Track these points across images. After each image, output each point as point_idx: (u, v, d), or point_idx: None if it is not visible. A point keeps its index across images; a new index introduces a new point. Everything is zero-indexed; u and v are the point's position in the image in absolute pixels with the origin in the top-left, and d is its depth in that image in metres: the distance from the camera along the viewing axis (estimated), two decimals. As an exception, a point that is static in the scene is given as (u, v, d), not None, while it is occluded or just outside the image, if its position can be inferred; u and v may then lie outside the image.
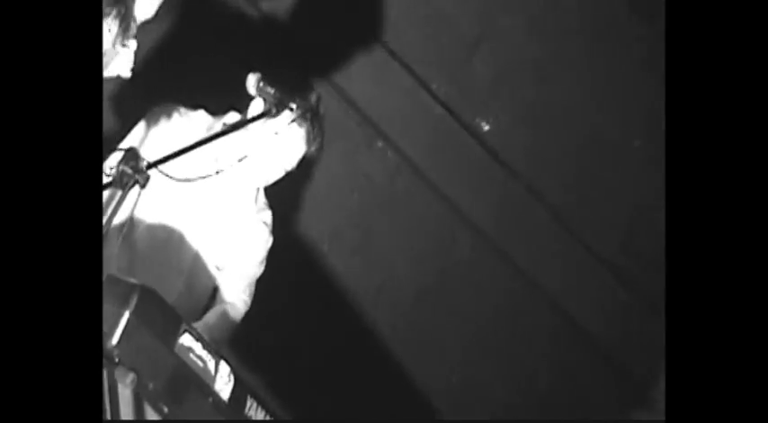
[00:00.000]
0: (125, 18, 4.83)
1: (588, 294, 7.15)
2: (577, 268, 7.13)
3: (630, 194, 6.98)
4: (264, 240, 5.91)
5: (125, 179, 4.61)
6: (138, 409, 4.80)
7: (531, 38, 6.75)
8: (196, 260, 5.84)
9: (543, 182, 6.88)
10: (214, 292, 5.88)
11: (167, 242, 5.80)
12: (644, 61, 6.60)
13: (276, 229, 5.90)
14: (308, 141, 5.62)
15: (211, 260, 5.88)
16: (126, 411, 4.77)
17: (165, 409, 4.56)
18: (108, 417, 4.86)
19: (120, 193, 4.68)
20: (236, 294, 5.86)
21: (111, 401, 4.73)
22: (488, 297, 7.21)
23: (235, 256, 5.90)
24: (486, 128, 6.85)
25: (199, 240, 5.83)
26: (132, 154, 4.59)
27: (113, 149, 4.87)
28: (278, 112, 5.42)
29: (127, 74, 4.97)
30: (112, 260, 5.40)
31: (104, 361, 4.42)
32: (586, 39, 6.66)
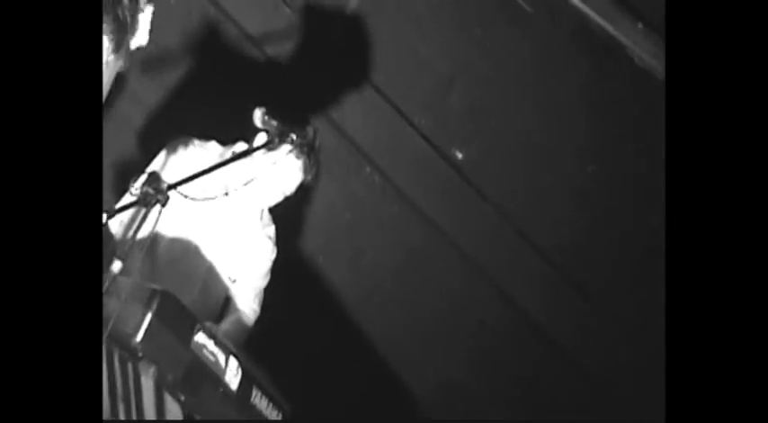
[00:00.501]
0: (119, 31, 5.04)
1: (548, 300, 7.08)
2: (541, 277, 6.98)
3: (583, 211, 6.80)
4: (270, 252, 6.06)
5: (148, 199, 4.66)
6: (159, 397, 5.02)
7: (497, 77, 6.65)
8: (210, 270, 5.94)
9: (508, 203, 6.85)
10: (226, 300, 5.99)
11: (185, 254, 5.87)
12: (588, 91, 6.51)
13: (278, 243, 6.05)
14: (305, 170, 5.77)
15: (224, 271, 5.99)
16: (148, 399, 5.04)
17: (182, 398, 4.84)
18: (133, 404, 5.08)
19: (143, 210, 4.69)
20: (247, 304, 6.01)
21: (135, 390, 5.02)
22: (460, 301, 7.13)
23: (245, 268, 6.01)
24: (460, 156, 6.79)
25: (212, 253, 5.93)
26: (154, 177, 4.67)
27: (139, 173, 4.85)
28: (280, 143, 5.49)
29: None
30: (137, 269, 5.12)
31: (129, 356, 4.73)
32: (548, 78, 6.58)
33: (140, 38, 4.77)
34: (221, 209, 5.84)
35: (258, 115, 5.44)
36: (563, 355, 7.18)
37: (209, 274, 5.98)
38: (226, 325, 5.93)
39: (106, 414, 5.20)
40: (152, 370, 4.78)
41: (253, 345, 5.87)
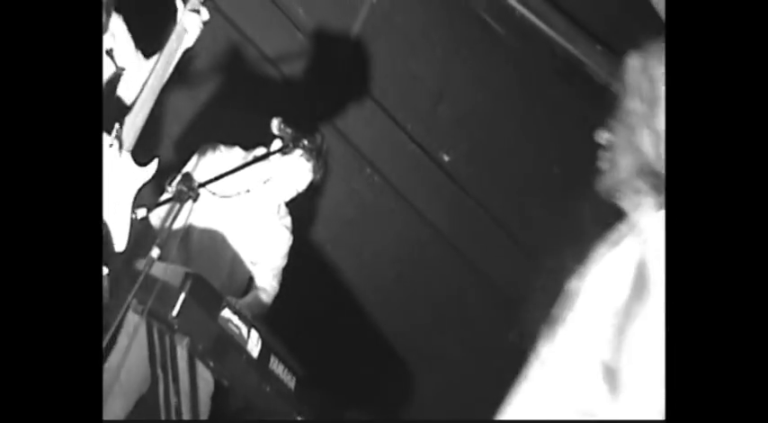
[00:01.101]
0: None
1: (517, 276, 6.98)
2: (512, 263, 6.99)
3: (548, 204, 6.84)
4: (286, 240, 6.16)
5: (182, 195, 4.86)
6: (192, 364, 5.47)
7: (479, 91, 6.74)
8: (235, 256, 6.06)
9: (488, 199, 6.94)
10: (250, 280, 6.10)
11: (213, 242, 5.99)
12: (555, 102, 6.56)
13: (293, 232, 6.17)
14: (315, 171, 5.93)
15: (247, 256, 6.09)
16: (182, 366, 5.41)
17: (211, 364, 5.09)
18: (170, 370, 5.39)
19: (178, 205, 4.92)
20: (267, 282, 6.08)
21: (171, 358, 5.37)
22: (446, 282, 7.19)
23: (265, 252, 6.11)
24: (447, 159, 6.86)
25: (237, 241, 6.06)
26: (187, 177, 4.92)
27: (174, 174, 5.00)
28: (293, 148, 5.52)
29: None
30: (173, 255, 5.41)
31: (166, 329, 5.03)
32: (522, 92, 6.67)
33: (189, 40, 5.11)
34: (244, 204, 5.97)
35: (275, 124, 5.47)
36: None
37: (235, 259, 6.07)
38: (248, 298, 5.97)
39: (147, 380, 5.61)
40: (185, 341, 4.97)
41: (271, 318, 5.93)
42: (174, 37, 5.15)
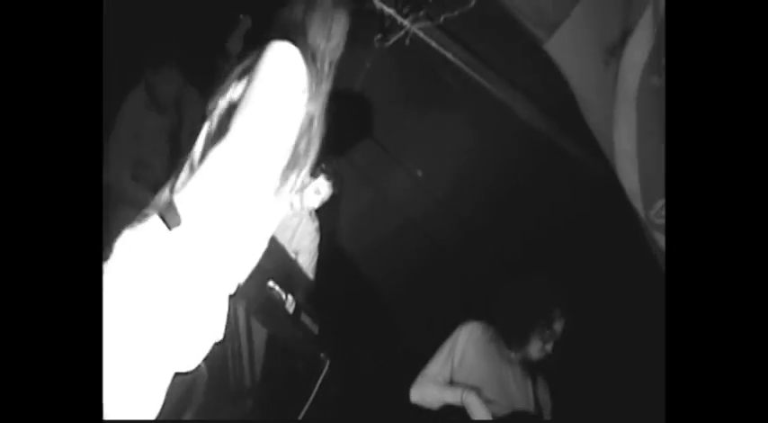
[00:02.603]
0: None
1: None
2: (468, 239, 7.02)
3: (497, 213, 6.87)
4: (316, 237, 6.30)
5: None
6: (247, 319, 5.62)
7: (448, 127, 6.78)
8: (281, 250, 5.98)
9: (449, 201, 6.99)
10: (292, 265, 5.94)
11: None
12: (493, 135, 6.58)
13: (321, 231, 6.34)
14: (334, 187, 6.11)
15: (290, 250, 6.14)
16: (241, 321, 5.58)
17: (261, 319, 5.32)
18: (232, 325, 5.51)
19: None
20: (304, 267, 6.17)
21: (234, 317, 5.47)
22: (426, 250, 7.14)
23: (303, 247, 6.22)
24: (420, 174, 6.95)
25: (280, 238, 6.04)
26: None
27: None
28: (318, 171, 5.93)
29: None
30: None
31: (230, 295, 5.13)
32: (472, 128, 6.73)
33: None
34: (284, 212, 6.07)
35: None
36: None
37: (280, 253, 5.96)
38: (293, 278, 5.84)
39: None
40: (243, 302, 5.23)
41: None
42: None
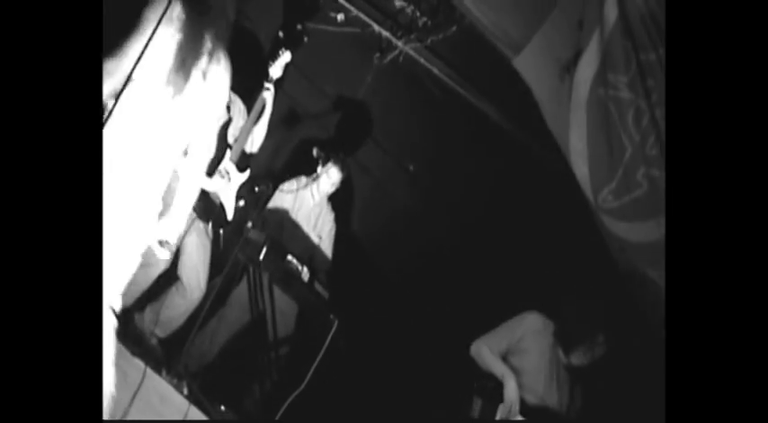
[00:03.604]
0: None
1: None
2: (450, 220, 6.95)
3: (473, 198, 6.83)
4: (334, 227, 6.13)
5: (263, 192, 5.28)
6: (270, 287, 5.63)
7: (434, 129, 6.80)
8: (306, 236, 5.99)
9: (434, 189, 6.90)
10: (313, 247, 6.02)
11: (282, 223, 5.90)
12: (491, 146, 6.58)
13: (337, 213, 6.21)
14: (342, 171, 5.95)
15: (314, 235, 6.03)
16: (265, 289, 5.61)
17: (281, 286, 5.42)
18: (259, 292, 5.58)
19: (263, 198, 5.31)
20: (325, 248, 6.09)
21: (260, 285, 5.58)
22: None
23: (324, 233, 6.05)
24: (411, 168, 6.81)
25: (305, 226, 5.99)
26: (265, 181, 5.23)
27: (260, 181, 5.39)
28: (326, 161, 5.90)
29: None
30: (258, 228, 5.25)
31: (256, 267, 5.14)
32: (457, 130, 6.71)
33: (267, 106, 5.34)
34: (304, 197, 5.97)
35: (315, 150, 5.89)
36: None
37: (300, 230, 5.99)
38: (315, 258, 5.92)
39: (247, 299, 5.67)
40: (267, 274, 5.33)
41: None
42: (257, 104, 5.35)
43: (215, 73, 3.96)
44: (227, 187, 5.36)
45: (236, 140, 5.41)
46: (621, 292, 5.14)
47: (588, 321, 5.14)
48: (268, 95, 5.40)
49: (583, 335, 5.13)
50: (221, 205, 5.31)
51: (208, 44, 3.90)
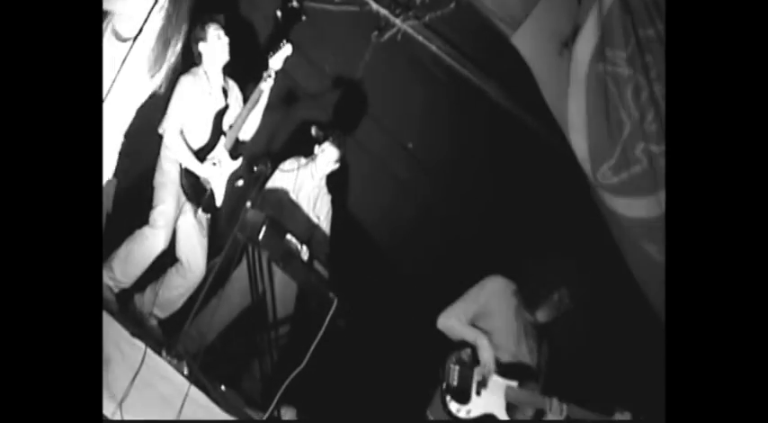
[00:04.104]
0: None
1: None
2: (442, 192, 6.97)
3: (462, 175, 6.86)
4: (331, 209, 6.09)
5: (262, 172, 5.17)
6: (269, 266, 5.55)
7: (432, 107, 6.78)
8: (305, 215, 5.99)
9: (430, 164, 6.89)
10: (311, 224, 5.99)
11: (286, 198, 5.92)
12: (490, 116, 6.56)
13: (333, 195, 6.17)
14: (339, 148, 5.91)
15: (312, 215, 6.01)
16: (264, 267, 5.55)
17: (281, 265, 5.34)
18: (257, 270, 5.50)
19: (262, 178, 5.27)
20: (323, 226, 6.05)
21: (258, 263, 5.51)
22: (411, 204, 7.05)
23: (322, 213, 6.01)
24: (410, 146, 6.88)
25: (305, 207, 5.99)
26: (264, 160, 5.13)
27: (259, 159, 5.27)
28: (324, 140, 5.86)
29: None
30: (257, 207, 5.19)
31: (256, 246, 5.12)
32: (456, 107, 6.72)
33: (264, 94, 5.39)
34: (304, 177, 5.96)
35: (313, 129, 5.82)
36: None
37: (299, 209, 5.98)
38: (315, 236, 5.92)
39: (248, 295, 5.63)
40: (266, 252, 5.34)
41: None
42: (255, 93, 5.37)
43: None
44: (219, 174, 5.39)
45: (230, 127, 5.44)
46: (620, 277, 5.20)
47: (549, 279, 5.24)
48: (266, 86, 5.42)
49: (544, 293, 5.26)
50: (211, 191, 5.34)
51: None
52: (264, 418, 4.86)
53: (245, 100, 5.50)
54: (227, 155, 5.40)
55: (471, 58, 6.44)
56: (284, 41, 5.38)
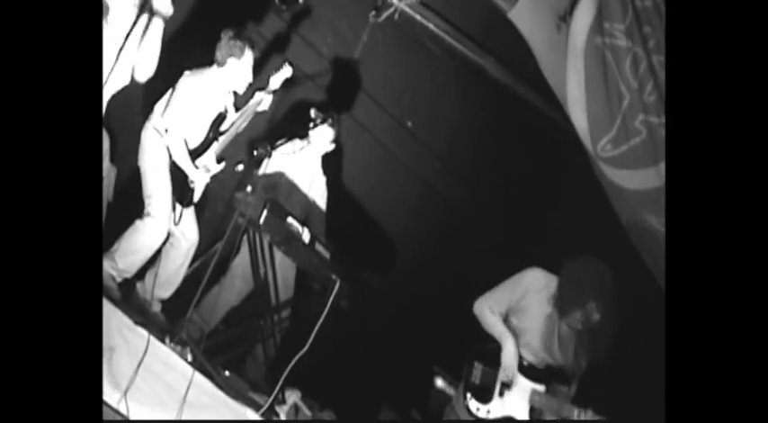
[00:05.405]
0: None
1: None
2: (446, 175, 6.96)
3: (463, 151, 6.86)
4: (326, 191, 6.09)
5: (261, 155, 5.12)
6: (271, 248, 5.56)
7: (431, 85, 6.74)
8: (303, 195, 5.99)
9: (431, 141, 6.84)
10: (308, 204, 6.00)
11: (280, 185, 5.89)
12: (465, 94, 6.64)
13: (330, 179, 6.17)
14: (333, 127, 5.84)
15: (309, 195, 5.99)
16: (266, 250, 5.54)
17: (282, 248, 5.31)
18: (259, 253, 5.51)
19: (262, 160, 5.23)
20: (319, 203, 6.04)
21: (260, 246, 5.52)
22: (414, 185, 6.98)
23: (318, 194, 6.02)
24: (410, 125, 6.82)
25: (298, 181, 5.96)
26: (264, 143, 5.05)
27: (259, 143, 5.19)
28: (323, 122, 5.75)
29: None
30: (259, 190, 5.23)
31: (256, 230, 5.08)
32: (455, 84, 6.70)
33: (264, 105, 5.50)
34: (302, 157, 5.94)
35: (313, 111, 5.72)
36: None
37: (298, 191, 5.98)
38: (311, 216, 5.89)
39: (248, 264, 5.60)
40: (268, 237, 5.31)
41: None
42: (251, 105, 5.45)
43: None
44: (204, 177, 5.41)
45: (222, 134, 5.46)
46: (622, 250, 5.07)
47: (583, 287, 4.80)
48: (264, 103, 5.51)
49: (578, 301, 4.83)
50: (192, 190, 5.33)
51: None
52: (270, 400, 4.79)
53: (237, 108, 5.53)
54: (214, 161, 5.44)
55: (469, 35, 6.42)
56: (285, 63, 5.43)
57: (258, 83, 5.51)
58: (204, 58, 5.38)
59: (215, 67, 5.33)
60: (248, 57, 5.33)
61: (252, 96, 5.48)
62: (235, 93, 5.47)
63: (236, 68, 5.32)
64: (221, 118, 5.42)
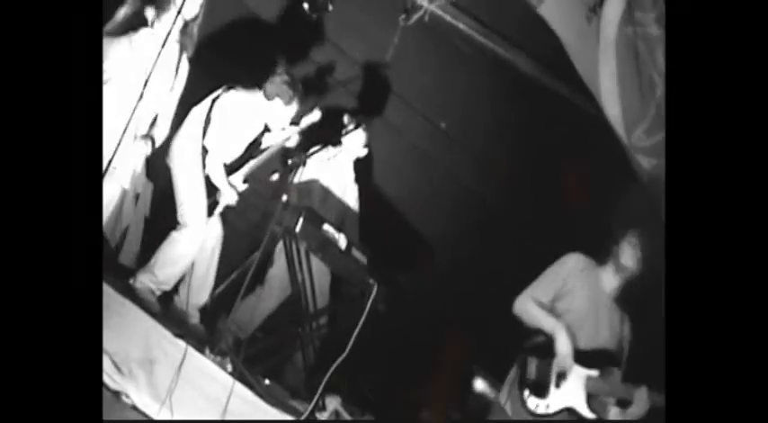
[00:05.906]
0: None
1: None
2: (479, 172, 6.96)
3: (498, 147, 6.81)
4: (357, 189, 6.05)
5: (297, 163, 5.19)
6: (308, 255, 5.56)
7: (464, 85, 6.68)
8: (338, 200, 5.95)
9: (464, 139, 6.82)
10: (344, 208, 5.96)
11: (313, 192, 5.84)
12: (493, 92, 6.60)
13: (363, 184, 6.13)
14: (365, 131, 5.84)
15: (343, 197, 5.96)
16: (303, 257, 5.54)
17: (319, 255, 5.33)
18: (296, 260, 5.46)
19: (297, 169, 5.22)
20: (352, 206, 5.99)
21: (297, 253, 5.50)
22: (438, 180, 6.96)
23: (349, 191, 5.99)
24: (443, 125, 6.79)
25: (333, 186, 5.93)
26: (298, 152, 5.15)
27: (291, 154, 5.32)
28: (356, 127, 5.79)
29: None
30: (294, 198, 5.27)
31: (293, 238, 5.07)
32: (488, 82, 6.66)
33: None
34: (335, 165, 5.94)
35: (346, 117, 5.80)
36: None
37: (332, 197, 5.94)
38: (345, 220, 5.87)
39: (288, 288, 5.63)
40: (304, 244, 5.32)
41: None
42: (284, 136, 5.51)
43: None
44: (234, 197, 5.42)
45: (252, 157, 5.51)
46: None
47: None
48: (292, 138, 5.59)
49: (612, 241, 4.75)
50: (217, 204, 5.35)
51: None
52: (310, 407, 4.79)
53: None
54: (241, 181, 5.46)
55: (500, 33, 6.41)
56: (317, 108, 5.54)
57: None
58: (243, 74, 5.50)
59: (261, 93, 5.38)
60: (293, 107, 5.41)
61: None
62: (266, 125, 5.52)
63: (278, 110, 5.40)
64: (257, 142, 5.48)
